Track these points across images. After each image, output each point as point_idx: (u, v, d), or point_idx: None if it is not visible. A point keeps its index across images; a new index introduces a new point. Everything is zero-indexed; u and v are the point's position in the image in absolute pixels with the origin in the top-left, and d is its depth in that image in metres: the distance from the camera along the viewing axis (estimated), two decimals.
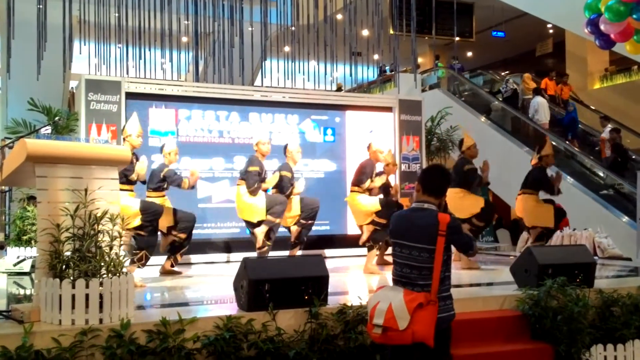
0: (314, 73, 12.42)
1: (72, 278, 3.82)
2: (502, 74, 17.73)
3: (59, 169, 4.04)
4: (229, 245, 8.33)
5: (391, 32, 13.39)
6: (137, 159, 6.14)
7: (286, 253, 7.25)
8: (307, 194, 7.49)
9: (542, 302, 4.78)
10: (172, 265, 6.87)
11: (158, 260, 6.93)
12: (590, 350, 4.69)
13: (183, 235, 6.68)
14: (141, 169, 6.07)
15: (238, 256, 6.72)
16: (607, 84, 17.62)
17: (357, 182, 7.16)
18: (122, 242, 4.13)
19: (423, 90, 15.60)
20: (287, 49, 13.34)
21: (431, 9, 11.34)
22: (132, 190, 6.15)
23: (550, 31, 20.19)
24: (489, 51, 22.02)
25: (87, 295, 3.79)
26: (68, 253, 3.91)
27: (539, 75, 17.09)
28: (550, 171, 8.07)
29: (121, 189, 5.16)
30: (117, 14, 10.59)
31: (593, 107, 15.70)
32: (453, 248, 3.53)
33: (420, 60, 19.25)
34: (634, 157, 12.82)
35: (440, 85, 16.52)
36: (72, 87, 11.62)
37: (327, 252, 8.51)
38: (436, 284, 3.33)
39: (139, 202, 6.09)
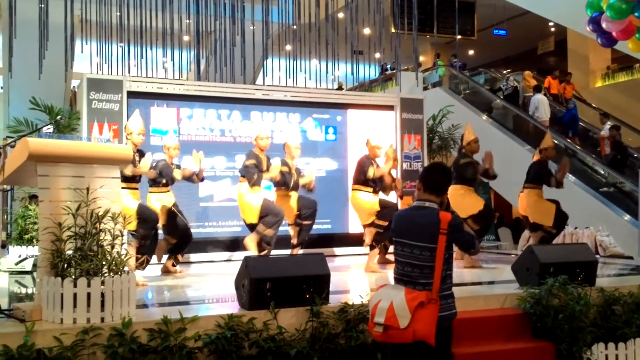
0: (316, 72, 12.42)
1: (73, 277, 3.83)
2: (504, 72, 17.72)
3: (61, 168, 4.04)
4: (230, 244, 8.32)
5: (393, 30, 13.36)
6: (143, 155, 6.15)
7: (287, 252, 7.25)
8: (307, 193, 7.49)
9: (543, 300, 4.78)
10: (173, 265, 6.87)
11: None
12: (592, 349, 4.69)
13: (173, 240, 6.68)
14: (144, 165, 6.06)
15: (239, 255, 6.73)
16: (609, 82, 17.60)
17: (357, 179, 7.15)
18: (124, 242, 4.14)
19: (425, 89, 15.60)
20: (288, 47, 13.35)
21: (433, 7, 11.34)
22: (135, 189, 6.12)
23: (552, 29, 20.17)
24: (491, 49, 22.00)
25: (88, 294, 3.80)
26: (70, 252, 3.91)
27: (540, 73, 17.06)
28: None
29: (122, 187, 5.16)
30: (118, 13, 10.61)
31: (595, 105, 15.69)
32: (455, 246, 3.53)
33: (421, 58, 19.22)
34: (635, 155, 12.80)
35: (441, 84, 16.50)
36: (73, 86, 11.64)
37: (328, 250, 8.51)
38: (437, 283, 3.33)
39: (137, 205, 6.02)
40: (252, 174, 6.83)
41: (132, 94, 7.87)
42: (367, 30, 13.97)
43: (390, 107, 9.42)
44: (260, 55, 12.71)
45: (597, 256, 7.33)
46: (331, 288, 4.55)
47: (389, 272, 6.18)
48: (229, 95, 8.64)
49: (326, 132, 9.16)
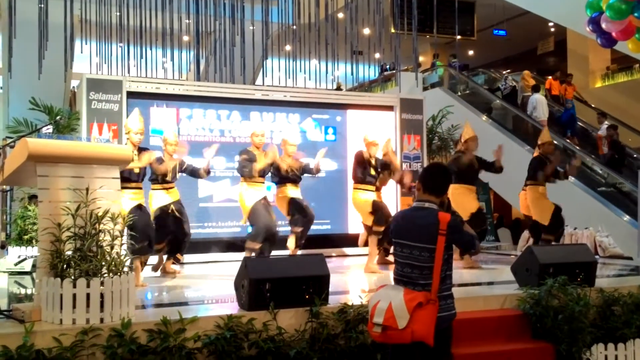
0: (315, 72, 12.41)
1: (73, 277, 3.83)
2: (504, 72, 17.72)
3: (60, 168, 4.04)
4: (230, 245, 8.32)
5: (392, 30, 13.35)
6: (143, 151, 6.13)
7: (287, 252, 7.24)
8: (308, 192, 7.47)
9: (543, 301, 4.78)
10: (173, 263, 6.85)
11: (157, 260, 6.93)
12: (591, 350, 4.68)
13: (160, 246, 6.60)
14: (143, 161, 6.00)
15: (239, 255, 6.71)
16: (608, 83, 17.61)
17: (355, 177, 7.14)
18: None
19: (425, 89, 15.59)
20: (288, 47, 13.34)
21: (432, 7, 11.34)
22: (137, 188, 6.03)
23: (552, 29, 20.17)
24: (491, 50, 22.00)
25: (88, 295, 3.80)
26: (69, 252, 3.92)
27: (540, 73, 17.06)
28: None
29: (123, 187, 5.13)
30: (118, 13, 10.60)
31: (594, 106, 15.69)
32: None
33: (421, 59, 19.21)
34: (635, 156, 12.80)
35: (441, 84, 16.50)
36: (73, 87, 11.62)
37: (328, 251, 8.50)
38: (436, 283, 3.32)
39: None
40: (243, 165, 6.79)
41: (131, 94, 7.88)
42: (366, 31, 13.96)
43: (390, 108, 9.42)
44: (259, 56, 12.70)
45: (597, 257, 7.33)
46: (331, 288, 4.55)
47: (389, 273, 6.18)
48: (228, 95, 8.64)
49: (326, 133, 9.16)
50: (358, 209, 7.16)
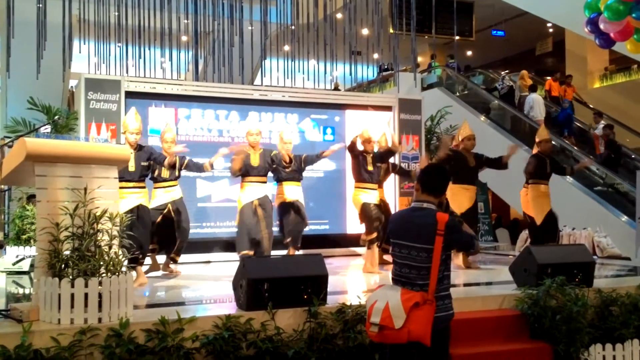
0: (314, 72, 12.41)
1: (71, 277, 3.82)
2: (502, 73, 17.74)
3: (59, 168, 4.04)
4: (228, 245, 8.30)
5: (391, 31, 13.36)
6: (141, 150, 6.09)
7: (285, 252, 7.22)
8: (307, 192, 7.45)
9: (541, 301, 4.78)
10: (173, 261, 6.83)
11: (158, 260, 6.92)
12: (589, 350, 4.69)
13: (151, 247, 6.53)
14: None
15: (237, 255, 6.70)
16: (607, 83, 17.63)
17: (353, 173, 7.11)
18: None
19: (423, 89, 15.61)
20: (286, 48, 13.34)
21: (431, 7, 11.33)
22: (134, 188, 5.97)
23: (550, 30, 20.19)
24: (489, 50, 22.01)
25: (86, 295, 3.80)
26: (67, 252, 3.91)
27: (538, 74, 17.05)
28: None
29: (121, 187, 5.11)
30: (116, 13, 10.58)
31: (592, 106, 15.70)
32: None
33: (420, 59, 19.22)
34: (633, 156, 12.81)
35: (440, 85, 16.51)
36: (71, 86, 11.61)
37: (326, 251, 8.48)
38: (434, 284, 3.33)
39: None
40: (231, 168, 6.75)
41: (130, 94, 7.88)
42: (365, 31, 13.98)
43: (388, 108, 9.42)
44: (258, 56, 12.68)
45: (595, 257, 7.34)
46: (329, 289, 4.55)
47: (388, 273, 6.19)
48: (227, 95, 8.64)
49: (324, 133, 9.16)
50: (356, 209, 7.16)
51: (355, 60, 11.47)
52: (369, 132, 7.10)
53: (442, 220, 3.35)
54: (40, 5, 8.94)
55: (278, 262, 4.77)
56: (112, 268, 3.95)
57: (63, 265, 3.88)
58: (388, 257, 7.05)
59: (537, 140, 7.74)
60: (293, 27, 12.10)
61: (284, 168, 7.00)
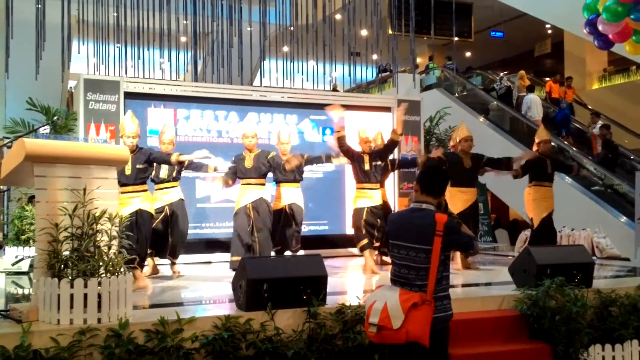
0: (313, 73, 12.42)
1: (70, 278, 3.82)
2: (501, 73, 17.77)
3: (58, 169, 4.04)
4: (227, 245, 8.29)
5: (390, 32, 13.39)
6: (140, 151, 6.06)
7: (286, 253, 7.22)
8: (305, 193, 7.44)
9: (540, 302, 4.78)
10: (172, 264, 6.84)
11: (158, 261, 6.92)
12: (589, 351, 4.69)
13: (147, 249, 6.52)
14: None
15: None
16: (605, 85, 17.65)
17: (354, 178, 7.10)
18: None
19: (422, 90, 15.62)
20: (285, 49, 13.35)
21: (430, 9, 11.33)
22: (131, 192, 5.91)
23: (549, 31, 20.21)
24: (488, 51, 22.03)
25: (85, 295, 3.79)
26: (66, 253, 3.91)
27: (537, 75, 17.06)
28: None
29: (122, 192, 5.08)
30: (115, 14, 10.59)
31: (591, 107, 15.71)
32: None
33: (419, 60, 19.25)
34: (631, 157, 12.82)
35: (439, 86, 16.52)
36: (70, 87, 11.61)
37: (326, 251, 8.47)
38: (432, 284, 3.33)
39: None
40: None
41: (129, 95, 7.87)
42: (364, 32, 13.99)
43: (387, 109, 9.42)
44: (257, 57, 12.69)
45: (594, 258, 7.33)
46: (328, 289, 4.56)
47: (387, 274, 6.18)
48: (226, 96, 8.64)
49: (323, 134, 9.16)
50: None
51: (354, 61, 11.48)
52: (365, 132, 7.11)
53: (441, 221, 3.35)
54: (39, 6, 8.95)
55: (277, 263, 4.77)
56: (111, 268, 3.95)
57: (62, 266, 3.88)
58: (388, 259, 7.05)
59: (536, 140, 7.69)
60: (292, 28, 12.12)
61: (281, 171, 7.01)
